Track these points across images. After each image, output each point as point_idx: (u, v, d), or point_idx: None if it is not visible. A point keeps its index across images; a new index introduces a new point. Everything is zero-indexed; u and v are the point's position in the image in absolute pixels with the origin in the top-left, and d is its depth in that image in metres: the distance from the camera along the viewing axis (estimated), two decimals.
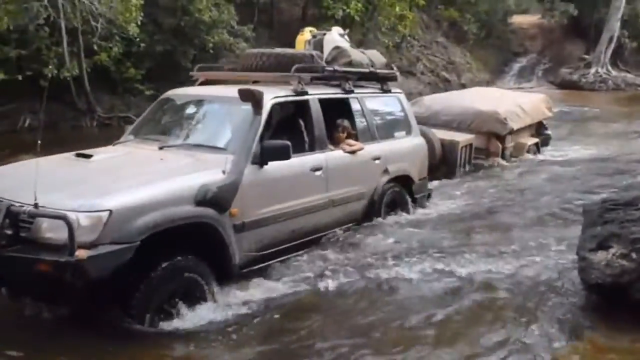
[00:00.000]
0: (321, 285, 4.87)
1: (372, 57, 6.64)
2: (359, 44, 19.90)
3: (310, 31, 7.26)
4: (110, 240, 3.83)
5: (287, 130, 5.62)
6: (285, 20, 21.62)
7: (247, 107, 4.96)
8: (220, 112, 5.54)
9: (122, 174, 4.49)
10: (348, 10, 20.04)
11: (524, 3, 35.15)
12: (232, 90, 5.11)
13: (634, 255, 4.20)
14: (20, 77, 13.77)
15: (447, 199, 7.66)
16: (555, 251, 5.51)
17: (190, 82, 6.41)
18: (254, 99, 4.91)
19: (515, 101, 10.85)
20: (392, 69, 6.86)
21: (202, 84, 6.22)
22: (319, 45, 6.76)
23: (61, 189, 4.13)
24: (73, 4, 13.16)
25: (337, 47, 6.45)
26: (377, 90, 6.67)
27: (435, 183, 8.24)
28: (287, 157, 4.88)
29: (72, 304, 4.22)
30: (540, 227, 6.41)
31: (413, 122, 6.99)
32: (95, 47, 14.45)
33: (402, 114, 6.88)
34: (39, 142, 4.30)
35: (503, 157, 9.93)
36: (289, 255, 5.18)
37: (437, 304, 4.59)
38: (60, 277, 3.73)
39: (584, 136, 13.73)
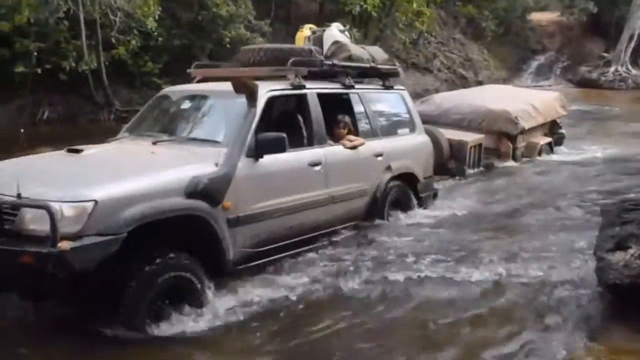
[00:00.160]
0: (334, 284, 4.77)
1: (373, 53, 6.56)
2: (375, 40, 20.01)
3: (310, 28, 7.17)
4: (96, 231, 3.71)
5: (284, 125, 5.47)
6: (303, 15, 21.60)
7: (242, 100, 4.88)
8: (215, 107, 5.46)
9: (110, 166, 4.42)
10: (365, 6, 19.91)
11: (543, 0, 34.83)
12: (227, 85, 5.01)
13: None
14: (39, 70, 13.95)
15: (456, 199, 7.52)
16: (571, 252, 5.40)
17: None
18: (248, 90, 4.83)
19: (527, 100, 10.62)
20: (394, 64, 6.78)
21: (200, 81, 6.15)
22: (318, 41, 6.66)
23: (47, 182, 4.05)
24: None
25: (336, 42, 6.38)
26: (379, 87, 6.59)
27: (445, 183, 8.18)
28: (283, 150, 4.79)
29: (56, 299, 4.12)
30: (555, 229, 6.27)
31: (417, 119, 6.86)
32: (114, 41, 14.65)
33: (405, 110, 6.77)
34: (22, 130, 4.23)
35: (514, 157, 9.75)
36: (288, 253, 5.03)
37: (452, 306, 4.51)
38: (43, 269, 3.61)
39: (602, 135, 13.41)
